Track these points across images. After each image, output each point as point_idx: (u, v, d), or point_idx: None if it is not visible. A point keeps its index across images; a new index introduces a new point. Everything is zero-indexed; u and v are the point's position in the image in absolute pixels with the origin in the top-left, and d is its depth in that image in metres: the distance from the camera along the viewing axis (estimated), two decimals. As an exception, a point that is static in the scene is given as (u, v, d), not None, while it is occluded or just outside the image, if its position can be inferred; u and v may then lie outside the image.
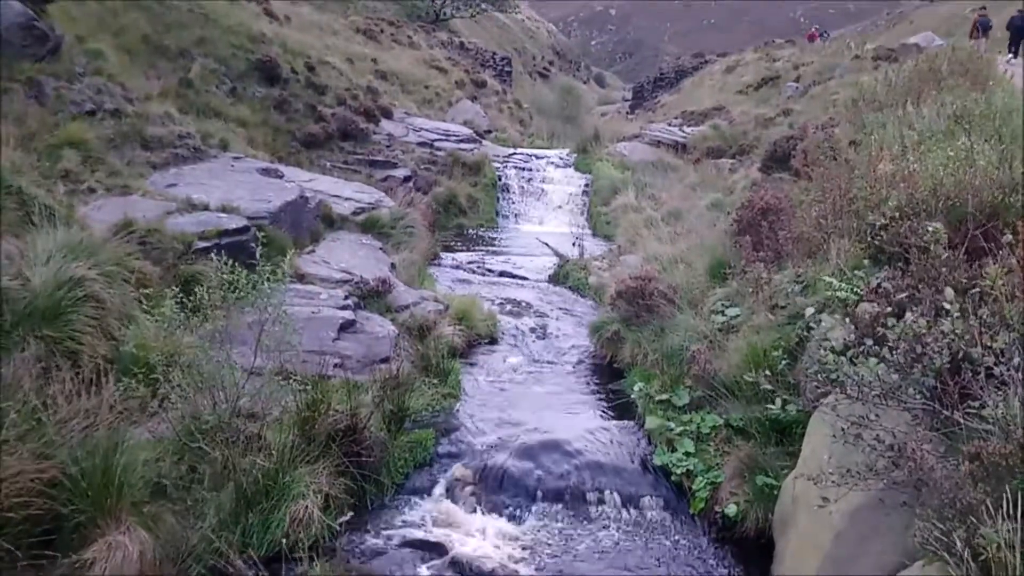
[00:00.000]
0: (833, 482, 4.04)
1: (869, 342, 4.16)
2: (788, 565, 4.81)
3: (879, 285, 5.27)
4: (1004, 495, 3.18)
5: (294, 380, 6.59)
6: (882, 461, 3.87)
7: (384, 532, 5.44)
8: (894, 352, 4.14)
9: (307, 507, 5.23)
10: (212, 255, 7.94)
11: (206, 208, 9.31)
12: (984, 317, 3.95)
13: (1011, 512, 3.08)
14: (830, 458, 4.75)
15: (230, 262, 6.61)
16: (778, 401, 5.10)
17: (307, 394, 6.10)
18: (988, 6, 25.46)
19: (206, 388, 5.87)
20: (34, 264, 6.09)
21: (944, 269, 4.65)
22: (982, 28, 23.36)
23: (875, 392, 4.05)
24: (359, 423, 5.95)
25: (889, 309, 5.42)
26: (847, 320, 6.04)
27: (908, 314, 4.53)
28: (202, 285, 7.05)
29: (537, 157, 20.97)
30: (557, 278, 12.44)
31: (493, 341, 9.46)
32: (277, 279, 5.92)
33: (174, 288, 6.78)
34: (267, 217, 9.69)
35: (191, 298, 6.50)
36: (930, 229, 4.86)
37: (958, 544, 3.11)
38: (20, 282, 5.86)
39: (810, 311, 5.71)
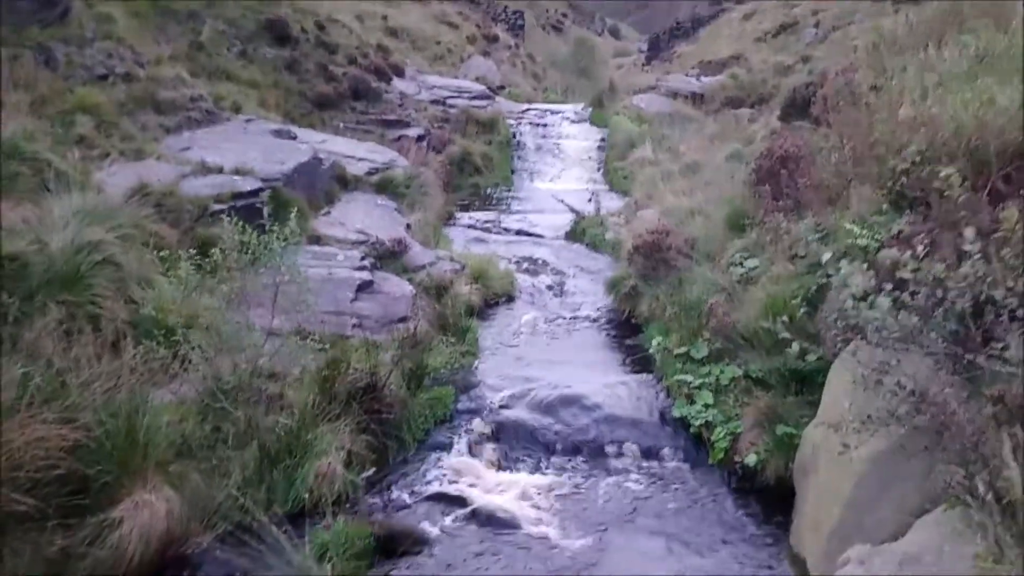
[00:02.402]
0: (854, 429, 4.02)
1: (889, 287, 4.08)
2: (809, 512, 4.83)
3: (900, 231, 5.17)
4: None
5: (312, 340, 6.67)
6: (903, 407, 3.83)
7: (406, 487, 5.51)
8: (915, 297, 4.07)
9: (330, 463, 5.29)
10: (227, 217, 8.05)
11: (220, 171, 9.31)
12: (1007, 258, 3.86)
13: (1034, 454, 3.05)
14: (851, 405, 4.72)
15: (244, 224, 6.66)
16: (795, 346, 5.05)
17: (327, 353, 6.14)
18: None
19: (226, 349, 5.94)
20: (51, 230, 6.12)
21: (965, 212, 4.54)
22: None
23: (895, 336, 3.99)
24: (379, 381, 6.00)
25: (909, 254, 5.34)
26: (867, 267, 5.97)
27: (928, 260, 4.45)
28: (218, 247, 7.14)
29: (552, 112, 20.72)
30: (574, 235, 12.38)
31: (510, 299, 9.45)
32: (290, 240, 5.88)
33: (191, 251, 6.83)
34: (281, 179, 9.66)
35: (208, 260, 6.58)
36: (951, 172, 4.74)
37: (980, 488, 3.08)
38: (38, 247, 5.90)
39: (827, 256, 5.63)
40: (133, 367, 5.09)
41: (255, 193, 9.01)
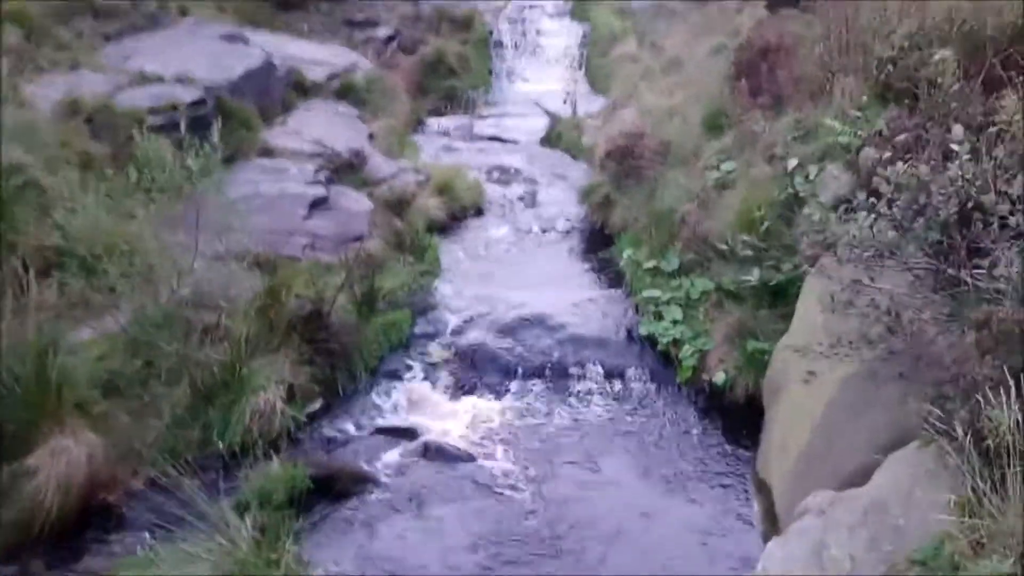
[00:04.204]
0: (822, 354, 3.64)
1: (862, 196, 3.61)
2: (777, 435, 4.51)
3: (882, 129, 4.67)
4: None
5: (256, 265, 6.25)
6: (876, 328, 3.44)
7: (354, 420, 5.18)
8: (893, 205, 3.61)
9: (268, 399, 4.94)
10: (166, 131, 7.46)
11: (160, 80, 8.60)
12: (1000, 158, 3.39)
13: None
14: (821, 325, 4.36)
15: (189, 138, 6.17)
16: (755, 270, 4.67)
17: (266, 279, 5.72)
18: None
19: (156, 278, 5.52)
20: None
21: (955, 104, 4.03)
22: None
23: (869, 253, 3.55)
24: (324, 308, 5.58)
25: (890, 154, 4.85)
26: (847, 169, 5.49)
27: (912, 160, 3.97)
28: (152, 165, 6.63)
29: (530, 7, 19.56)
30: (549, 140, 11.73)
31: (479, 212, 8.95)
32: (210, 156, 5.36)
33: (125, 170, 6.33)
34: (227, 87, 8.95)
35: (141, 180, 6.10)
36: (945, 55, 4.21)
37: (959, 427, 2.71)
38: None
39: (793, 163, 5.15)
40: (41, 303, 4.67)
41: (198, 104, 8.34)
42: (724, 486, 4.56)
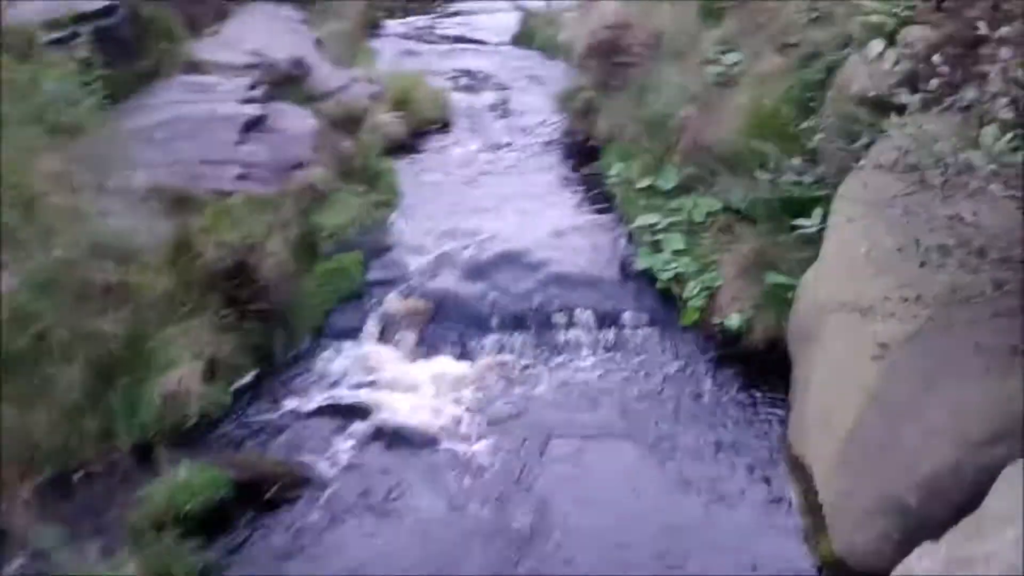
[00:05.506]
0: (887, 313, 2.69)
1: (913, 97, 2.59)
2: (815, 401, 3.59)
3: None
4: None
5: (177, 204, 5.23)
6: (977, 280, 2.48)
7: (294, 396, 4.26)
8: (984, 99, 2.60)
9: (181, 378, 4.00)
10: (68, 50, 6.30)
11: (57, -12, 7.28)
12: None
13: None
14: (868, 252, 3.41)
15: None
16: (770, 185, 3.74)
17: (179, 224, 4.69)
18: None
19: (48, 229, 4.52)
20: None
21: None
22: None
23: (948, 172, 2.54)
24: (250, 257, 4.58)
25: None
26: (885, 56, 4.44)
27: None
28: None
29: None
30: (522, 39, 10.46)
31: (444, 126, 7.84)
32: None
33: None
34: (143, -7, 7.63)
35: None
36: None
37: None
38: None
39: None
40: None
41: (106, 13, 7.05)
42: (749, 462, 3.70)
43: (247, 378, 4.34)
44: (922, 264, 2.46)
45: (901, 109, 3.06)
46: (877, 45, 4.16)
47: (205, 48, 8.02)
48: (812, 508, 3.28)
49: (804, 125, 4.69)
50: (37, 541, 3.12)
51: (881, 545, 2.88)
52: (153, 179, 5.51)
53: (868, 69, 4.37)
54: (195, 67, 7.54)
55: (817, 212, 4.23)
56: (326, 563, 3.21)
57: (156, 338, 4.16)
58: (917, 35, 4.19)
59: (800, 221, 4.26)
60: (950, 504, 2.66)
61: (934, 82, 2.67)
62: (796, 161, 4.76)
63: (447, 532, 3.39)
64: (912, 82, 3.44)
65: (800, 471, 3.50)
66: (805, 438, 3.57)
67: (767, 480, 3.57)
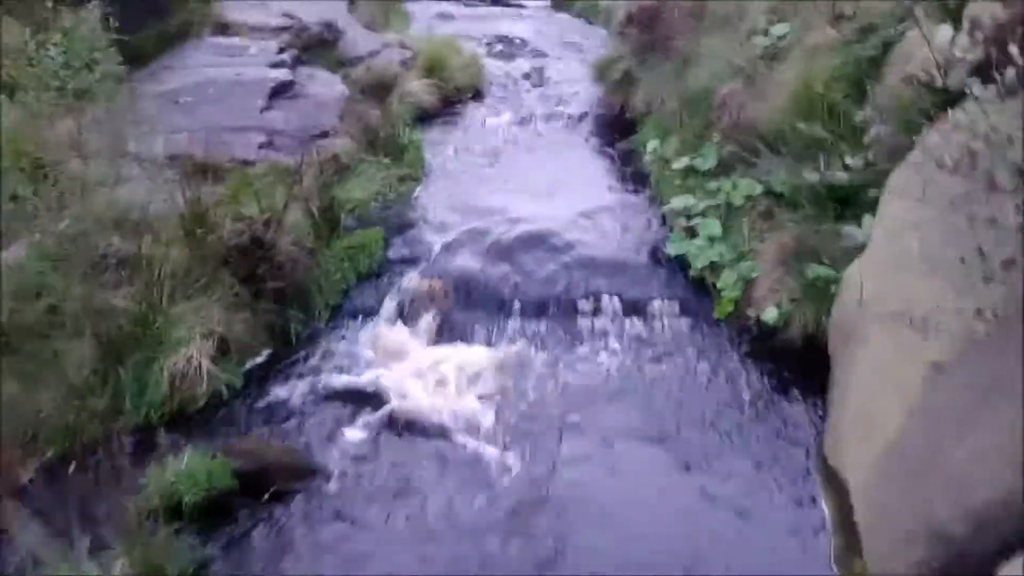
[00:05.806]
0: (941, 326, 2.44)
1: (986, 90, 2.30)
2: (853, 407, 3.35)
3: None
4: None
5: (200, 173, 5.12)
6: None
7: (306, 379, 4.12)
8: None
9: (191, 357, 3.88)
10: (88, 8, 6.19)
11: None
12: None
13: None
14: (920, 246, 3.14)
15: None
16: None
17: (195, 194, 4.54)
18: None
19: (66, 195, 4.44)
20: None
21: None
22: None
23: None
24: (268, 233, 4.43)
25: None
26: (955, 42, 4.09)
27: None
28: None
29: None
30: (561, 3, 10.11)
31: (477, 95, 7.59)
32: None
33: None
34: (170, -51, 7.45)
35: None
36: None
37: None
38: None
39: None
40: None
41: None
42: (780, 471, 3.46)
43: (260, 358, 4.22)
44: (987, 280, 2.19)
45: (961, 95, 2.77)
46: (945, 30, 3.78)
47: (236, 8, 7.85)
48: (846, 525, 3.05)
49: (856, 111, 4.36)
50: (22, 537, 3.01)
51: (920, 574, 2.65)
52: (174, 146, 5.40)
53: (933, 56, 4.03)
54: (225, 28, 7.38)
55: (867, 220, 3.90)
56: (326, 563, 3.07)
57: (167, 314, 4.04)
58: (985, 12, 3.83)
59: (848, 229, 3.95)
60: (999, 536, 2.43)
61: (1010, 72, 2.36)
62: (844, 146, 4.49)
63: (459, 531, 3.23)
64: (982, 70, 3.14)
65: (835, 482, 3.27)
66: (841, 447, 3.32)
67: (798, 492, 3.34)
